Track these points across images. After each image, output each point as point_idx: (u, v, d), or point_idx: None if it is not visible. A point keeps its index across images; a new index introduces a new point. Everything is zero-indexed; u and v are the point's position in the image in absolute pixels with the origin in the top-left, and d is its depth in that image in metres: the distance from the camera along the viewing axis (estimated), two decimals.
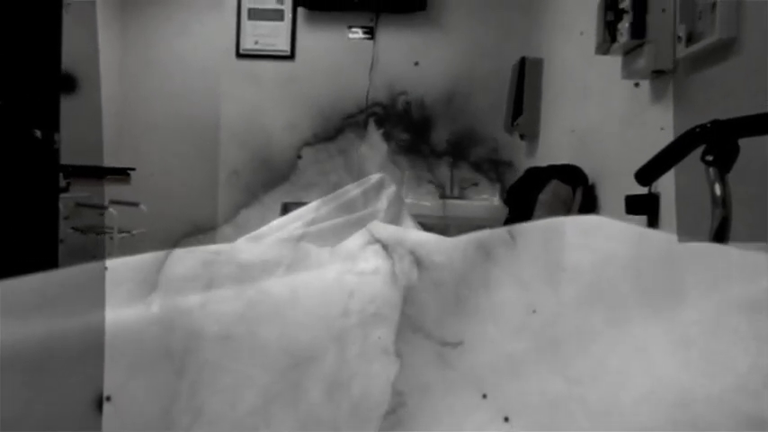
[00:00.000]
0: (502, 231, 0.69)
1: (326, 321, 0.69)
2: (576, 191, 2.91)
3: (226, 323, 0.68)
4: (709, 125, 1.38)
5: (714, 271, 0.64)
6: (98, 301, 0.66)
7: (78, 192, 4.46)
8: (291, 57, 5.29)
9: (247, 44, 5.31)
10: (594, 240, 0.69)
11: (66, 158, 4.24)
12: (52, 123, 3.46)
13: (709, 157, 1.35)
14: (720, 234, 1.32)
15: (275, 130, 5.01)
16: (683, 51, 2.14)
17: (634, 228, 0.72)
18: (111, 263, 0.69)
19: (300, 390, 0.67)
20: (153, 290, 0.67)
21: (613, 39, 2.53)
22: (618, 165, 2.75)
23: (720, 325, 0.62)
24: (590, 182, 3.01)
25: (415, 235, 0.71)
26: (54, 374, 0.64)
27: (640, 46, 2.41)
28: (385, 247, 0.71)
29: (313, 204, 0.86)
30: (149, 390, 0.66)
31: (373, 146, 4.44)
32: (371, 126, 4.63)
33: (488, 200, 4.91)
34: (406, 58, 5.26)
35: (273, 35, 5.31)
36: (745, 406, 0.59)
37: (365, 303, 0.69)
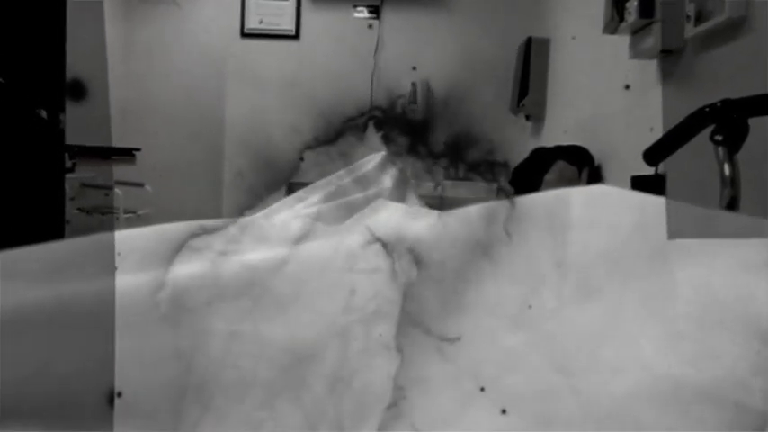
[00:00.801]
0: (502, 204, 0.71)
1: (329, 318, 0.71)
2: (582, 171, 2.93)
3: (231, 321, 0.70)
4: (718, 104, 1.37)
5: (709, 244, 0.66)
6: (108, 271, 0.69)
7: (84, 172, 4.47)
8: (296, 36, 5.26)
9: (252, 23, 5.25)
10: (592, 226, 0.71)
11: (76, 139, 4.26)
12: (57, 103, 3.44)
13: (719, 137, 1.35)
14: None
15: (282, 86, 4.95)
16: (691, 31, 2.13)
17: (628, 217, 0.73)
18: (119, 259, 0.71)
19: (304, 385, 0.70)
20: (161, 287, 0.70)
21: (621, 18, 2.51)
22: (625, 145, 2.75)
23: (708, 317, 0.63)
24: (596, 162, 3.01)
25: (414, 232, 0.72)
26: (68, 334, 0.67)
27: (649, 25, 2.39)
28: (385, 245, 0.73)
29: (321, 182, 0.87)
30: (158, 385, 0.68)
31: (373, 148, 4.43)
32: (371, 128, 4.62)
33: (492, 181, 4.91)
34: (411, 39, 5.22)
35: (278, 14, 5.26)
36: (734, 395, 0.61)
37: (366, 301, 0.71)
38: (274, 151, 4.59)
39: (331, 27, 5.19)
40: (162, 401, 0.68)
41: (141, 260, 0.71)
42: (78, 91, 4.98)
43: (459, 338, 0.69)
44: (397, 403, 0.68)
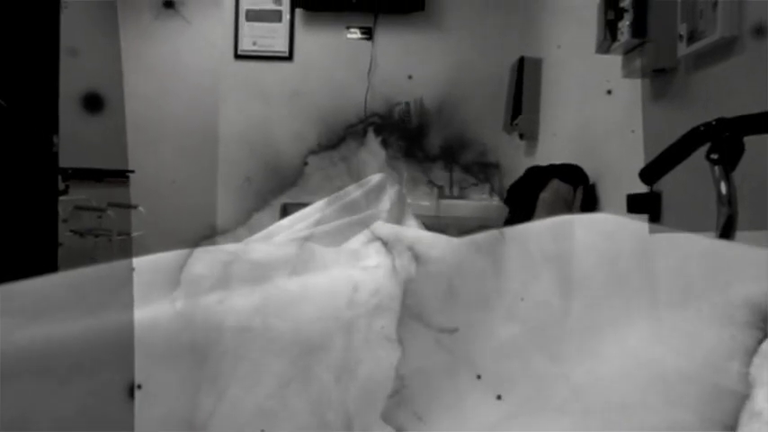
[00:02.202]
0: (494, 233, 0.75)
1: (334, 313, 0.76)
2: (576, 190, 2.95)
3: (242, 316, 0.75)
4: (713, 123, 1.38)
5: (683, 258, 0.71)
6: (127, 298, 0.74)
7: (77, 194, 4.47)
8: (290, 58, 5.24)
9: (245, 45, 5.24)
10: (577, 234, 0.76)
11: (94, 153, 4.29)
12: (51, 125, 3.43)
13: (715, 156, 1.35)
14: (726, 232, 1.33)
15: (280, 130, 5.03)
16: (684, 50, 2.15)
17: (617, 222, 0.78)
18: (137, 261, 0.76)
19: (312, 375, 0.74)
20: (175, 287, 0.74)
21: (614, 38, 2.52)
22: (619, 164, 2.76)
23: (687, 307, 0.68)
24: (591, 181, 3.02)
25: (412, 232, 0.77)
26: (89, 369, 0.71)
27: (641, 45, 2.40)
28: (385, 244, 0.78)
29: (317, 205, 0.92)
30: (176, 377, 0.73)
31: (372, 152, 4.47)
32: (370, 134, 4.66)
33: (487, 200, 4.92)
34: (404, 58, 5.19)
35: (271, 36, 5.25)
36: (712, 378, 0.65)
37: (369, 296, 0.76)
38: (280, 158, 4.64)
39: (324, 48, 5.19)
40: (179, 392, 0.72)
41: (155, 261, 0.76)
42: (95, 104, 5.08)
43: (456, 330, 0.74)
44: (399, 391, 0.73)
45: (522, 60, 4.48)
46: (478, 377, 0.72)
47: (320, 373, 0.74)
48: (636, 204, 2.32)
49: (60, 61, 3.40)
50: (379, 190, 0.90)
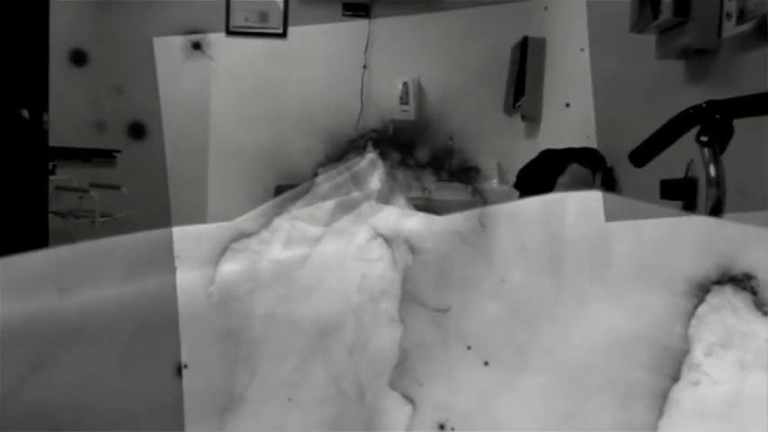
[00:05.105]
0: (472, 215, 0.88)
1: (345, 298, 0.89)
2: (595, 174, 2.92)
3: (268, 305, 0.89)
4: (703, 105, 1.38)
5: (636, 240, 0.83)
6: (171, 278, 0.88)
7: (60, 174, 4.40)
8: (283, 35, 5.21)
9: (237, 21, 5.20)
10: (551, 220, 0.88)
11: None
12: (41, 102, 3.30)
13: (704, 138, 1.36)
14: (715, 214, 1.33)
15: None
16: (731, 30, 2.06)
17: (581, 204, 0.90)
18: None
19: (329, 352, 0.88)
20: (212, 283, 0.89)
21: (656, 15, 2.38)
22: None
23: (639, 280, 0.81)
24: (608, 164, 2.97)
25: (408, 226, 0.91)
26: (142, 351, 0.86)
27: (681, 24, 2.30)
28: (386, 239, 0.91)
29: (305, 185, 1.02)
30: (216, 358, 0.87)
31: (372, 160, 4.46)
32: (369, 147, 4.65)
33: (488, 183, 4.80)
34: (401, 39, 5.14)
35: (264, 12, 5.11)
36: (661, 339, 0.78)
37: (374, 283, 0.89)
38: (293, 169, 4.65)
39: (320, 25, 5.19)
40: (218, 370, 0.87)
41: (195, 260, 0.90)
42: (139, 132, 5.36)
43: (448, 309, 0.87)
44: (402, 362, 0.86)
45: (525, 40, 4.34)
46: (468, 348, 0.85)
47: (336, 350, 0.88)
48: (670, 190, 2.29)
49: (107, 97, 3.44)
50: (369, 169, 0.98)
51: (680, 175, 2.18)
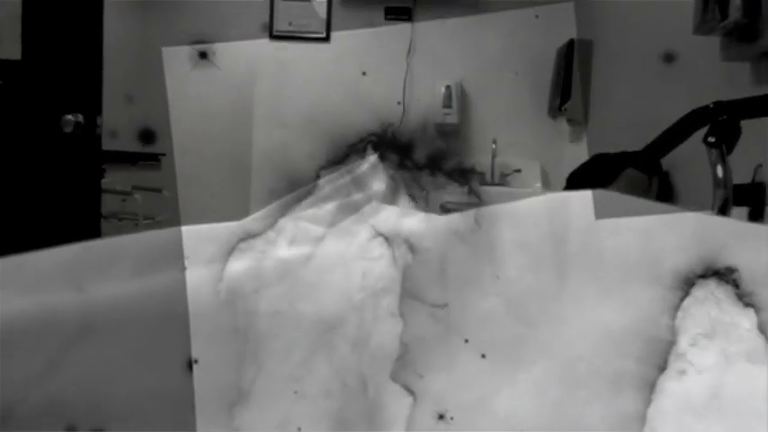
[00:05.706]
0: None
1: (348, 296, 0.93)
2: (651, 179, 2.78)
3: (274, 302, 0.93)
4: (711, 106, 1.42)
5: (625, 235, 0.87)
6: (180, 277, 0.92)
7: (111, 178, 4.41)
8: (327, 39, 5.17)
9: (281, 25, 5.16)
10: (543, 218, 0.92)
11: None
12: (94, 106, 3.25)
13: (712, 139, 1.40)
14: (722, 213, 1.39)
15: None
16: None
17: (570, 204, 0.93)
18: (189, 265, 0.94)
19: (332, 347, 0.92)
20: (219, 281, 0.93)
21: (725, 16, 2.28)
22: (693, 151, 2.63)
23: (628, 275, 0.85)
24: (663, 169, 2.87)
25: (408, 226, 0.94)
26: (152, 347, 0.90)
27: (749, 25, 2.21)
28: (386, 238, 0.95)
29: (308, 187, 1.06)
30: (225, 354, 0.91)
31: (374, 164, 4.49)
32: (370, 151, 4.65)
33: (531, 186, 4.80)
34: (444, 42, 5.09)
35: (308, 16, 5.12)
36: (649, 330, 0.82)
37: (375, 281, 0.93)
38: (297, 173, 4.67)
39: (362, 29, 5.19)
40: (227, 365, 0.91)
41: (203, 259, 0.94)
42: (149, 137, 5.46)
43: (446, 305, 0.91)
44: (403, 356, 0.90)
45: (571, 43, 4.29)
46: (466, 341, 0.89)
47: (339, 345, 0.92)
48: (737, 196, 2.19)
49: (117, 103, 3.43)
50: (371, 172, 1.01)
51: (746, 180, 2.15)
